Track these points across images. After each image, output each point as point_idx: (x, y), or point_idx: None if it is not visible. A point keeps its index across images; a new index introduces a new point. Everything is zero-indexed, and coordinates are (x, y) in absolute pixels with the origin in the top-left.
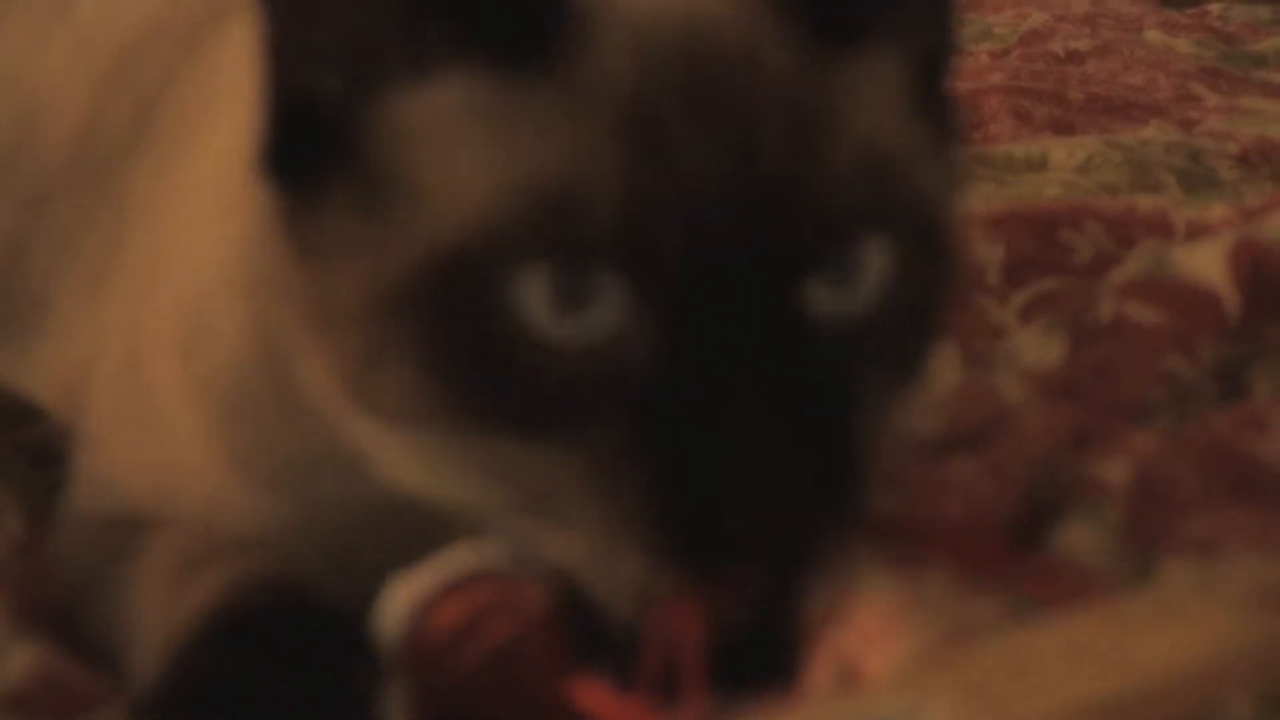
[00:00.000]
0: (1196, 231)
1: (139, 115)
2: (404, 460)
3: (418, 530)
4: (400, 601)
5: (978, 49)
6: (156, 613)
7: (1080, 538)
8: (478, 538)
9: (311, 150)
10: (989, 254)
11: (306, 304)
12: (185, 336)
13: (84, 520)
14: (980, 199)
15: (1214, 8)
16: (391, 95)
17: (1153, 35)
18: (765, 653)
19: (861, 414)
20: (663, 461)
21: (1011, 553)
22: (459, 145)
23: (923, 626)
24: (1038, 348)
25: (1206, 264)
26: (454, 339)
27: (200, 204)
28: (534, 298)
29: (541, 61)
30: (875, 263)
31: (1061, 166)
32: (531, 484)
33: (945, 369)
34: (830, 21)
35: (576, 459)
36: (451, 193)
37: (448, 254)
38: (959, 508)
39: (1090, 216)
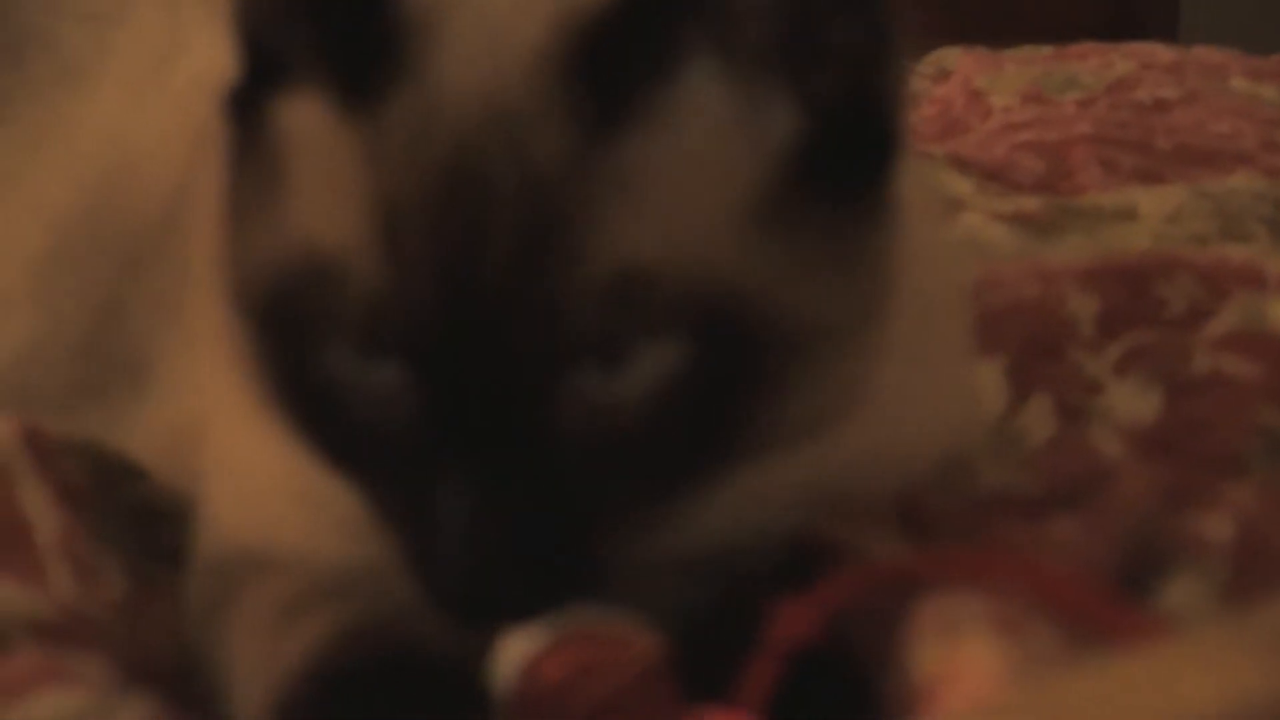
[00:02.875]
0: None
1: None
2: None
3: None
4: (511, 658)
5: (1064, 99)
6: (255, 662)
7: (1184, 595)
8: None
9: (250, 109)
10: (1083, 307)
11: (228, 273)
12: None
13: (199, 573)
14: (1070, 250)
15: None
16: (288, 87)
17: (1238, 83)
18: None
19: (601, 490)
20: (408, 516)
21: (1119, 610)
22: (302, 168)
23: (1031, 685)
24: (1133, 402)
25: None
26: (283, 352)
27: None
28: (332, 345)
29: (361, 109)
30: (644, 364)
31: (1150, 216)
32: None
33: (1040, 423)
34: (623, 93)
35: (370, 492)
36: (292, 211)
37: (284, 269)
38: (1062, 566)
39: (1182, 268)
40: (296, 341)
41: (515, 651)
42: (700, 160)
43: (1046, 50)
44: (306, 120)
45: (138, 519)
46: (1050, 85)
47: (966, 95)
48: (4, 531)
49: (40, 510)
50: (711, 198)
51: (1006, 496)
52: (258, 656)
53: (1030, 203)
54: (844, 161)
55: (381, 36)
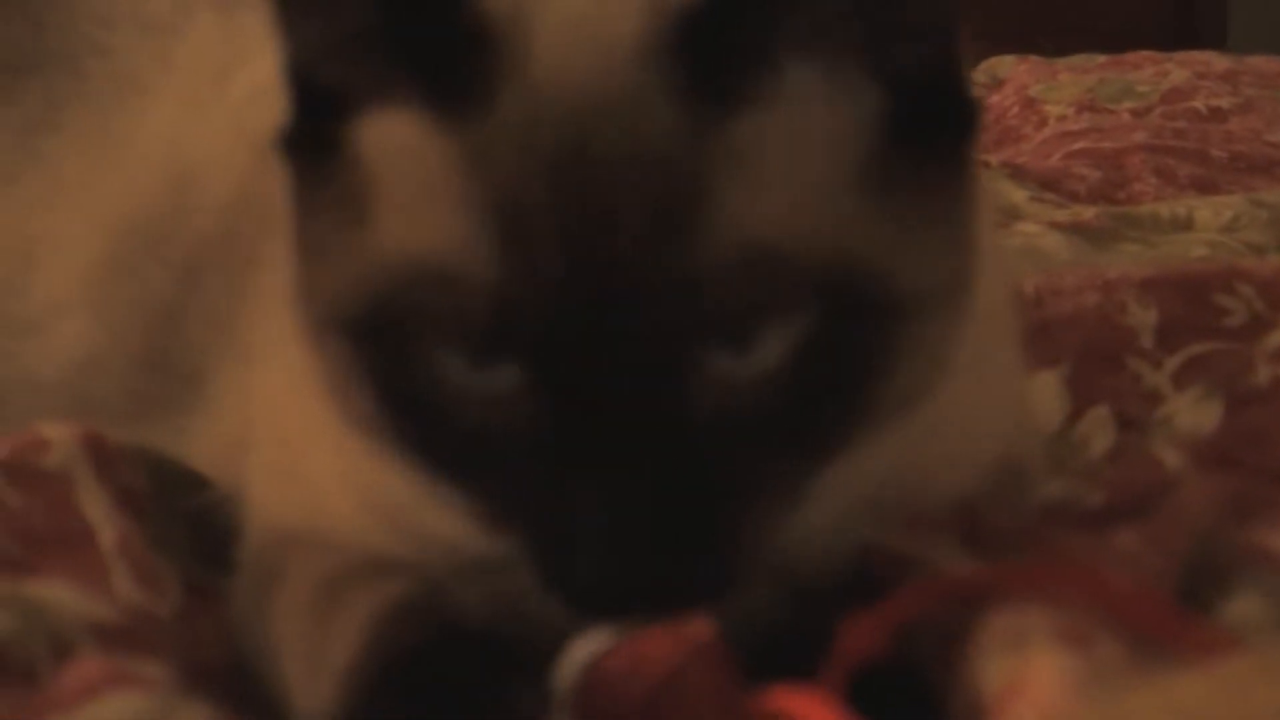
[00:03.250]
0: None
1: None
2: (389, 478)
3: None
4: (576, 657)
5: (1119, 107)
6: (302, 643)
7: (1247, 609)
8: None
9: (317, 140)
10: (1142, 317)
11: (304, 303)
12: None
13: (245, 564)
14: (1127, 259)
15: None
16: (371, 106)
17: None
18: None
19: (740, 473)
20: (539, 513)
21: (1184, 624)
22: (396, 185)
23: (1098, 699)
24: (1193, 413)
25: None
26: (385, 365)
27: None
28: (445, 352)
29: (459, 116)
30: (774, 340)
31: (1207, 226)
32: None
33: (1099, 434)
34: (726, 78)
35: (483, 495)
36: (390, 226)
37: (383, 285)
38: (1126, 580)
39: (1242, 279)
40: (401, 353)
41: (582, 651)
42: (806, 134)
43: (1101, 59)
44: (395, 138)
45: (195, 527)
46: (1105, 94)
47: (1021, 103)
48: (66, 535)
49: (100, 515)
50: (821, 170)
51: (1067, 508)
52: (304, 637)
53: (1086, 212)
54: (929, 132)
55: (469, 41)
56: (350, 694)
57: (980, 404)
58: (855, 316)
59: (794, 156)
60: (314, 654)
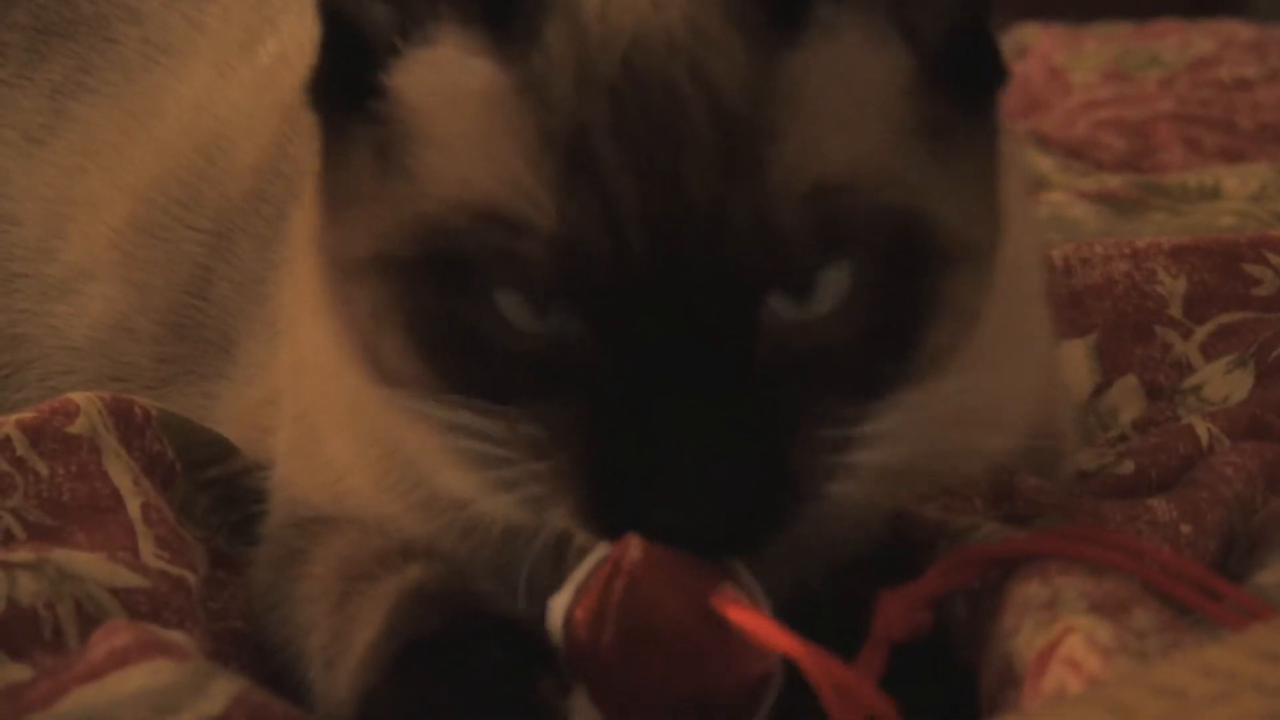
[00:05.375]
0: None
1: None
2: (406, 426)
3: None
4: (554, 618)
5: (1145, 76)
6: (326, 627)
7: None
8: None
9: (351, 87)
10: (1171, 286)
11: (329, 254)
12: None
13: (269, 539)
14: (1155, 228)
15: None
16: (413, 47)
17: None
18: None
19: (800, 415)
20: (591, 443)
21: (1220, 591)
22: (444, 124)
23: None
24: (1223, 382)
25: None
26: (434, 306)
27: None
28: (502, 291)
29: (508, 46)
30: (833, 281)
31: (1234, 195)
32: (492, 444)
33: (1128, 403)
34: (783, 6)
35: (529, 427)
36: (440, 168)
37: (435, 226)
38: (1160, 548)
39: (1271, 248)
40: (458, 292)
41: (556, 612)
42: (859, 76)
43: (1126, 28)
44: (441, 76)
45: (222, 498)
46: (1131, 63)
47: (1046, 72)
48: (94, 503)
49: (128, 483)
50: (875, 113)
51: (1098, 476)
52: (326, 619)
53: (1114, 181)
54: (961, 89)
55: None
56: (369, 675)
57: (1009, 366)
58: (909, 260)
59: (851, 95)
60: (336, 636)
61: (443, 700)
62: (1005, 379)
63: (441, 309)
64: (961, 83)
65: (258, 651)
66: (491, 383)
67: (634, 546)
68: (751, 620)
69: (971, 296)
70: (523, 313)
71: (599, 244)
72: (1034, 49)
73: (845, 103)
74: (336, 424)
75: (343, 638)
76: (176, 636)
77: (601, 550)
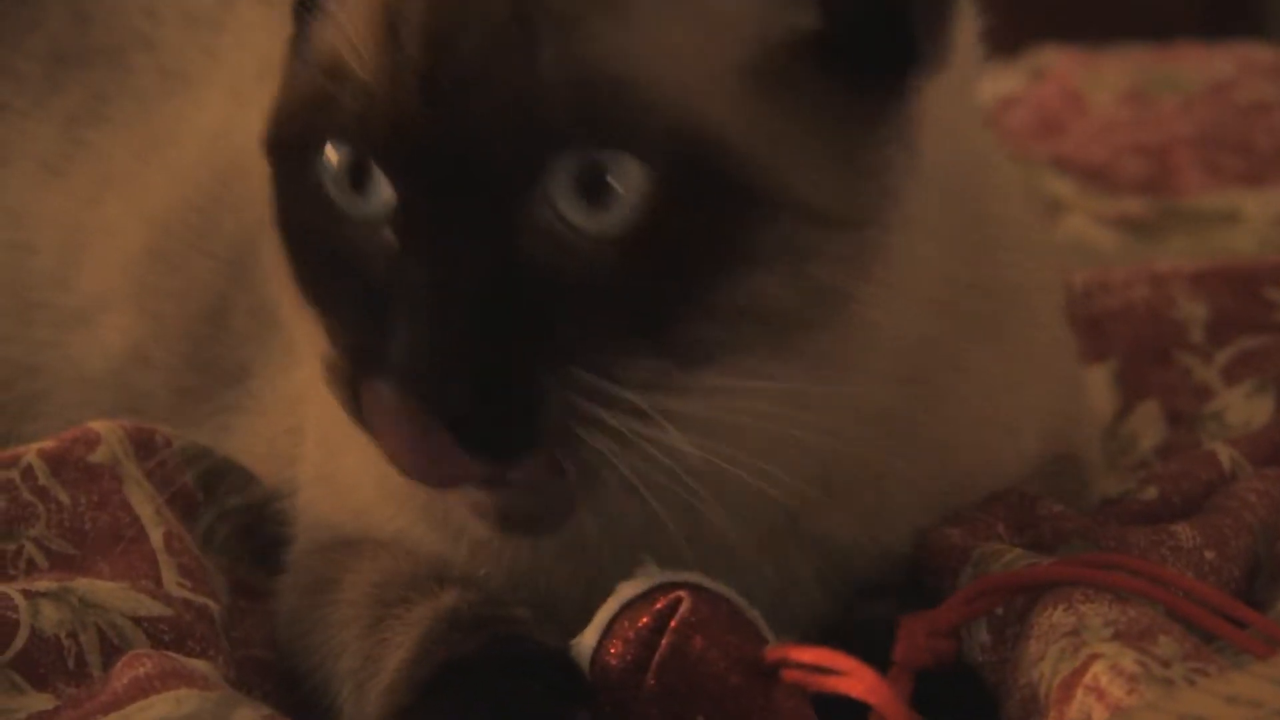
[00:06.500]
0: None
1: None
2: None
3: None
4: (584, 650)
5: (1163, 99)
6: (358, 650)
7: None
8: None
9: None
10: (1191, 311)
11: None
12: None
13: (294, 566)
14: (1175, 252)
15: None
16: None
17: None
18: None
19: (557, 340)
20: (365, 312)
21: (1244, 618)
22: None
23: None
24: (1244, 408)
25: None
26: (288, 187)
27: None
28: (328, 172)
29: None
30: (620, 194)
31: (1255, 219)
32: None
33: (1149, 429)
34: None
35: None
36: (319, 37)
37: (302, 90)
38: (1184, 575)
39: None
40: (299, 165)
41: (582, 650)
42: (705, 4)
43: (1144, 50)
44: None
45: (243, 526)
46: (1149, 86)
47: (1063, 95)
48: (116, 532)
49: (150, 512)
50: (710, 39)
51: (1121, 502)
52: (358, 644)
53: (1133, 205)
54: (864, 62)
55: None
56: (400, 697)
57: (1019, 384)
58: (705, 189)
59: (684, 15)
60: (368, 660)
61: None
62: (1012, 399)
63: (293, 194)
64: (867, 58)
65: (281, 679)
66: (326, 282)
67: (683, 604)
68: (816, 655)
69: (826, 269)
70: (344, 193)
71: (390, 100)
72: (1052, 71)
73: (673, 18)
74: (346, 438)
75: (374, 661)
76: (200, 665)
77: (626, 591)
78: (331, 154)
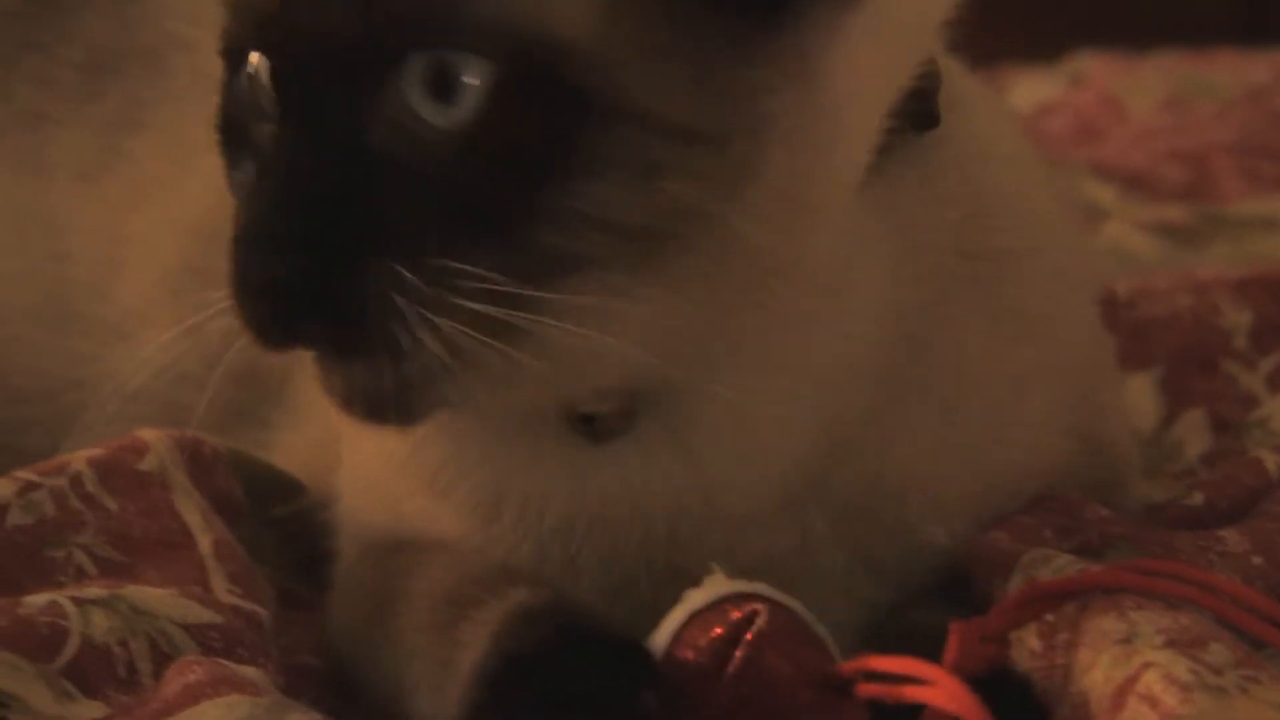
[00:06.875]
0: None
1: None
2: None
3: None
4: (658, 644)
5: (1201, 105)
6: (429, 655)
7: None
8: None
9: None
10: (1236, 319)
11: None
12: None
13: (346, 575)
14: (1215, 259)
15: None
16: None
17: None
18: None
19: (401, 234)
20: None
21: None
22: None
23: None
24: None
25: None
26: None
27: None
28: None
29: None
30: (470, 89)
31: None
32: None
33: (1194, 436)
34: None
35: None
36: None
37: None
38: (1234, 582)
39: None
40: (234, 75)
41: (660, 640)
42: None
43: (1182, 56)
44: None
45: (289, 535)
46: (1187, 92)
47: (1102, 101)
48: (165, 539)
49: (198, 520)
50: None
51: (1168, 508)
52: (434, 648)
53: (1174, 211)
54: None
55: None
56: (473, 693)
57: (1021, 344)
58: (546, 91)
59: None
60: (443, 663)
61: (543, 714)
62: (1018, 358)
63: (227, 99)
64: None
65: (330, 687)
66: (236, 186)
67: (760, 616)
68: (898, 664)
69: (679, 185)
70: (241, 85)
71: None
72: (1090, 77)
73: None
74: (381, 444)
75: (450, 663)
76: (250, 672)
77: (695, 597)
78: (253, 57)
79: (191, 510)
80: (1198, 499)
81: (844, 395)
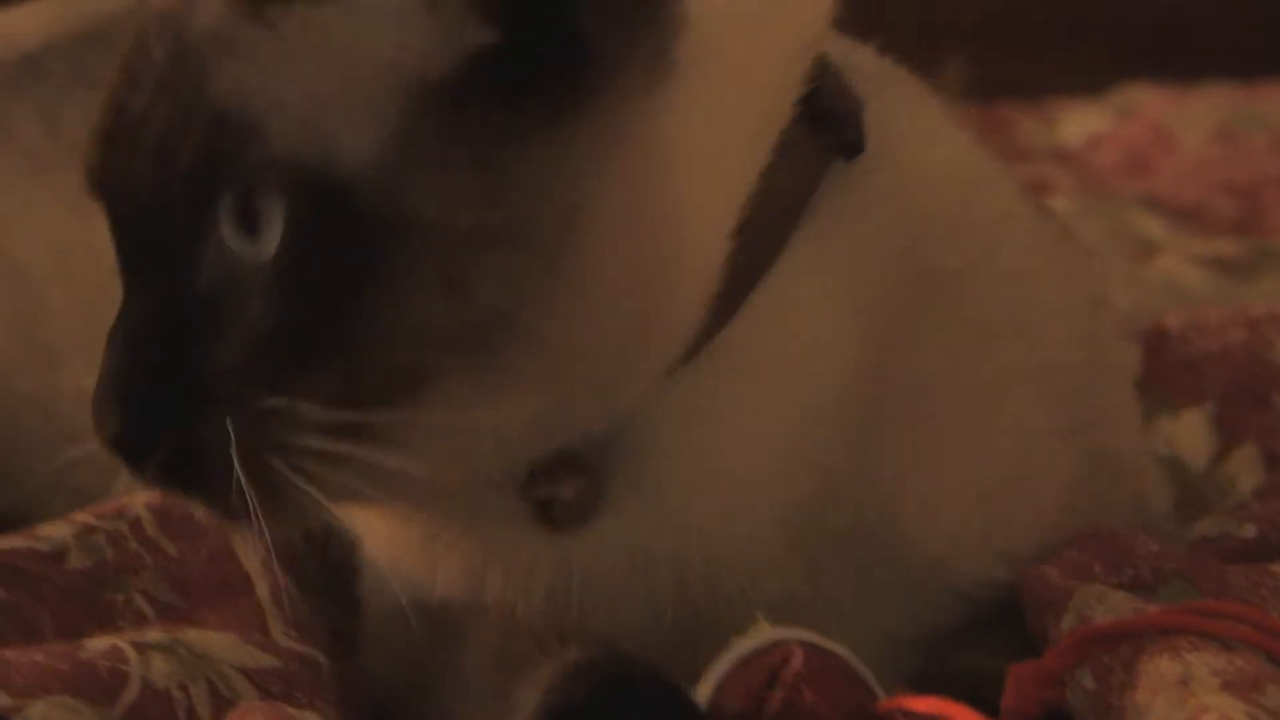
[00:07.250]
0: None
1: None
2: None
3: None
4: (703, 694)
5: (1252, 137)
6: (485, 710)
7: None
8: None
9: None
10: None
11: None
12: None
13: (381, 643)
14: (1267, 294)
15: None
16: None
17: None
18: None
19: (232, 360)
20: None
21: None
22: None
23: None
24: None
25: None
26: None
27: None
28: None
29: None
30: (271, 222)
31: None
32: None
33: (1247, 471)
34: None
35: None
36: None
37: None
38: None
39: None
40: None
41: (705, 688)
42: (354, 47)
43: (1232, 87)
44: None
45: (337, 576)
46: (1238, 124)
47: (1152, 133)
48: (224, 583)
49: (256, 564)
50: (352, 75)
51: (1220, 541)
52: (487, 712)
53: (1225, 245)
54: (542, 76)
55: None
56: None
57: (1010, 377)
58: (336, 219)
59: (313, 53)
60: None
61: None
62: (988, 362)
63: None
64: (545, 68)
65: None
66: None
67: (795, 658)
68: (932, 704)
69: (487, 291)
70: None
71: (92, 156)
72: (1140, 109)
73: (317, 67)
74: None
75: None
76: (310, 717)
77: (741, 646)
78: None
79: (249, 555)
80: (1250, 531)
81: (824, 431)
